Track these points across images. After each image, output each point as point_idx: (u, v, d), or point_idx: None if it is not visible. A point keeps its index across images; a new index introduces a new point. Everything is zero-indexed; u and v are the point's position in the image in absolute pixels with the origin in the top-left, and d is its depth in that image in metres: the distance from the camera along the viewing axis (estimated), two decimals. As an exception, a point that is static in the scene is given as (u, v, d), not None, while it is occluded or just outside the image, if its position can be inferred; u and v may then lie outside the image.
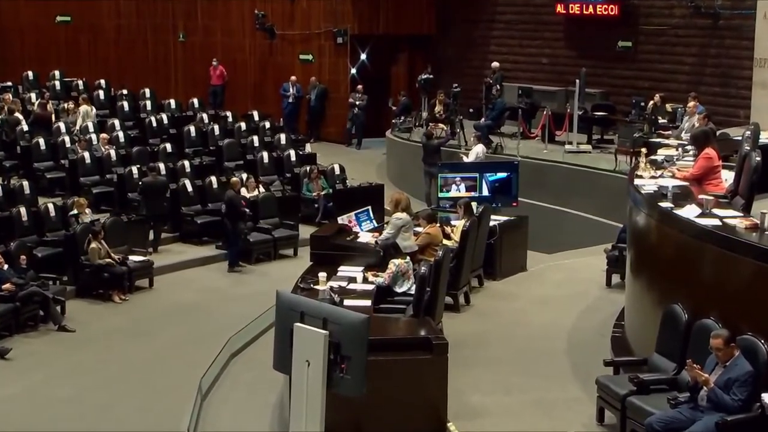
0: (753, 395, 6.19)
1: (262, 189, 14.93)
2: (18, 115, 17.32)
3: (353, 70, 22.42)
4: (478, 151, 15.28)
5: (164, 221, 14.06)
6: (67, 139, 16.42)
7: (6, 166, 15.68)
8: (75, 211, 13.12)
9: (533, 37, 20.55)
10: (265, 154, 16.61)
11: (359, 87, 21.42)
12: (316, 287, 8.56)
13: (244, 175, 15.08)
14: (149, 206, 13.76)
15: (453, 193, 12.99)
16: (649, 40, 18.58)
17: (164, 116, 18.46)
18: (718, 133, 10.45)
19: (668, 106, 16.44)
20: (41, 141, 16.11)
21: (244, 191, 14.40)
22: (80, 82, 20.92)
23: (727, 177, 8.57)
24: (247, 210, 13.40)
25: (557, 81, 19.81)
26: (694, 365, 6.34)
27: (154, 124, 18.07)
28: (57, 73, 21.28)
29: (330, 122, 22.24)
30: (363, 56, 22.56)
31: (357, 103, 21.18)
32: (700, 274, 7.21)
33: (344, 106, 21.75)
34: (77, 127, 17.31)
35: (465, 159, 15.18)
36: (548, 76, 20.15)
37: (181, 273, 13.23)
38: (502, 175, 13.17)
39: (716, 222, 7.14)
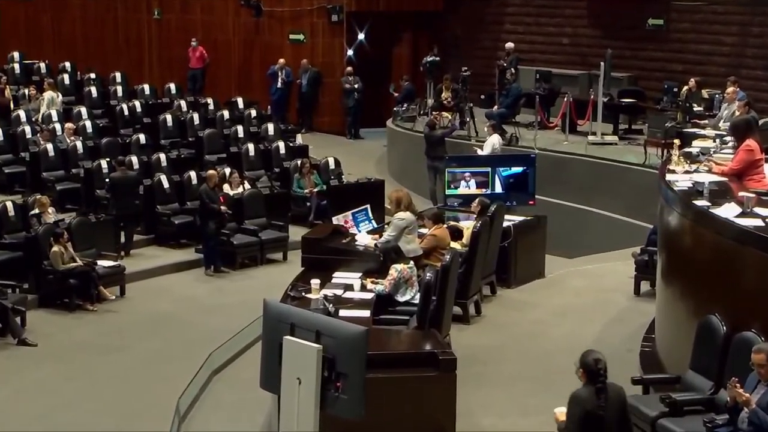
0: (800, 417, 6.19)
1: (247, 185, 14.92)
2: (-28, 102, 17.36)
3: (350, 52, 22.44)
4: (494, 142, 15.25)
5: (136, 222, 14.08)
6: (27, 129, 16.41)
7: (-43, 160, 15.73)
8: (36, 211, 13.11)
9: (552, 14, 20.57)
10: (251, 147, 16.61)
11: (349, 69, 21.43)
12: (309, 296, 8.57)
13: (227, 170, 15.07)
14: (118, 205, 13.78)
15: (462, 190, 13.01)
16: (683, 17, 18.60)
17: (137, 103, 18.47)
18: (760, 122, 10.47)
19: (704, 92, 16.46)
20: (-2, 131, 16.15)
21: (227, 188, 14.39)
22: (42, 65, 20.93)
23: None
24: (224, 209, 13.35)
25: (579, 64, 19.82)
26: (737, 384, 6.33)
27: (126, 113, 18.07)
28: (16, 54, 21.29)
29: (324, 110, 22.26)
30: (361, 36, 22.58)
31: (356, 86, 21.22)
32: (740, 280, 7.22)
33: (340, 92, 21.75)
34: (39, 116, 17.32)
35: (479, 151, 15.20)
36: (569, 59, 20.16)
37: (156, 280, 13.23)
38: (517, 169, 13.19)
39: (758, 222, 7.15)
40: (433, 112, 17.62)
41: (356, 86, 21.27)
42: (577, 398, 6.05)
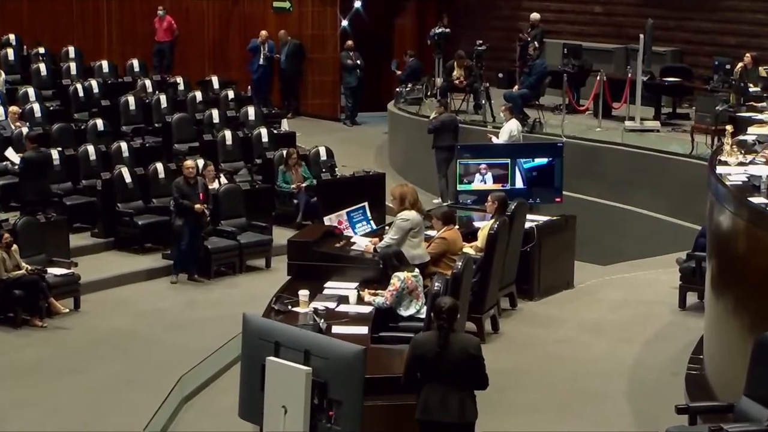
0: None
1: (223, 180, 14.93)
2: None
3: (344, 23, 22.46)
4: (511, 128, 15.29)
5: (42, 207, 13.87)
6: (-36, 114, 16.45)
7: None
8: (-26, 210, 13.13)
9: (583, -22, 20.62)
10: (228, 134, 16.61)
11: (349, 43, 21.46)
12: (296, 310, 8.59)
13: (200, 161, 15.05)
14: (30, 190, 13.78)
15: (477, 185, 13.02)
16: (736, -19, 18.62)
17: (94, 83, 18.45)
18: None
19: (762, 70, 16.45)
20: (-70, 116, 16.17)
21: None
22: (-19, 39, 20.93)
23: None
24: (198, 207, 13.31)
25: (615, 37, 19.84)
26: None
27: (81, 94, 18.05)
28: (-49, 27, 21.31)
29: (314, 91, 22.30)
30: (357, 4, 22.59)
31: (358, 62, 21.25)
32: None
33: (332, 69, 21.78)
34: (-22, 98, 17.33)
35: (494, 140, 15.21)
36: (603, 31, 20.19)
37: (117, 291, 13.24)
38: (541, 161, 13.19)
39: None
40: (437, 101, 17.53)
41: (358, 62, 21.30)
42: (415, 341, 6.90)
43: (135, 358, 11.19)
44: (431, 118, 16.65)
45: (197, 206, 13.30)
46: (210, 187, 14.43)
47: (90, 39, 22.48)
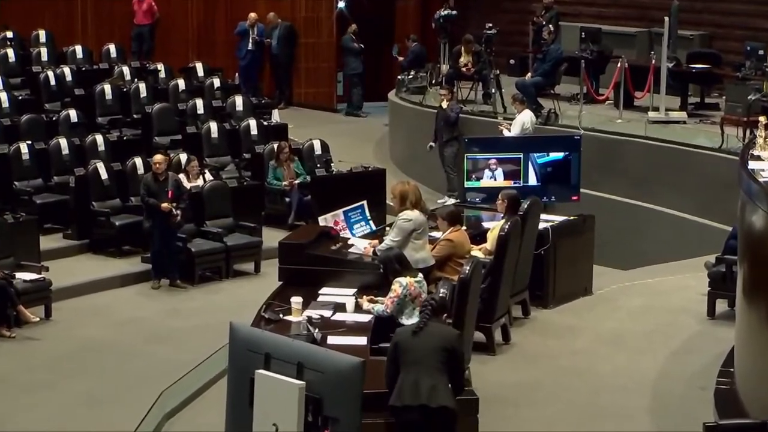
0: None
1: (208, 176, 14.92)
2: None
3: (341, 4, 22.45)
4: (524, 120, 15.30)
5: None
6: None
7: None
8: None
9: (602, -45, 20.61)
10: (214, 126, 16.61)
11: (354, 27, 21.48)
12: (288, 318, 8.59)
13: (183, 156, 15.06)
14: None
15: (486, 182, 13.01)
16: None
17: (67, 70, 18.44)
18: None
19: (798, 56, 16.48)
20: None
21: (183, 179, 14.40)
22: (-58, 22, 20.92)
23: None
24: (165, 205, 13.27)
25: (637, 19, 19.83)
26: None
27: (53, 82, 18.03)
28: None
29: (308, 79, 22.29)
30: (355, -17, 22.60)
31: (362, 46, 21.31)
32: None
33: (328, 55, 21.77)
34: (-61, 87, 17.31)
35: (505, 132, 15.21)
36: (624, 13, 20.18)
37: (92, 298, 13.24)
38: (557, 155, 13.20)
39: None
40: (440, 89, 17.53)
41: (362, 46, 21.35)
42: (396, 331, 7.34)
43: (111, 371, 11.17)
44: (445, 106, 16.59)
45: (164, 205, 13.25)
46: (194, 184, 14.45)
47: (62, 22, 22.43)
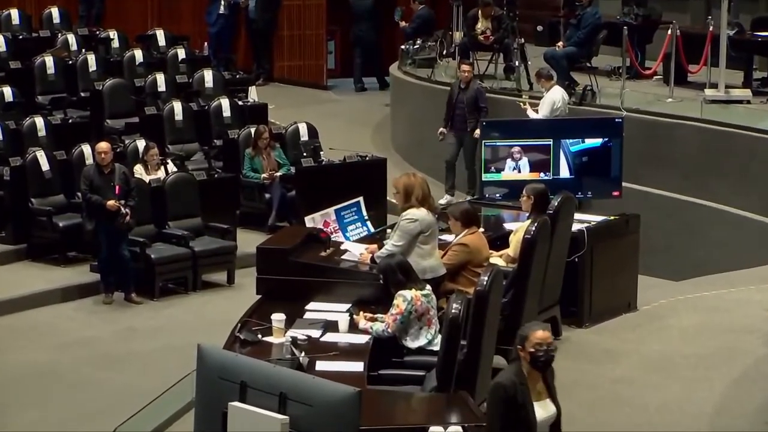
0: None
1: (171, 167, 14.93)
2: None
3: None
4: (554, 99, 15.28)
5: None
6: None
7: None
8: None
9: None
10: (178, 106, 16.62)
11: None
12: (268, 339, 8.57)
13: (141, 143, 15.06)
14: None
15: (508, 174, 13.01)
16: None
17: (0, 39, 18.46)
18: None
19: None
20: None
21: (140, 170, 14.40)
22: None
23: None
24: (111, 203, 13.23)
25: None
26: None
27: (-17, 54, 18.11)
28: None
29: (293, 49, 22.28)
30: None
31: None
32: None
33: (317, 21, 21.78)
34: None
35: (530, 114, 15.19)
36: (675, -30, 20.16)
37: (31, 314, 13.26)
38: (594, 142, 13.21)
39: None
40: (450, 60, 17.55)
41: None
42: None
43: (56, 403, 11.15)
44: (467, 78, 16.57)
45: (110, 203, 13.25)
46: (154, 176, 14.43)
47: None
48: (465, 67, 16.69)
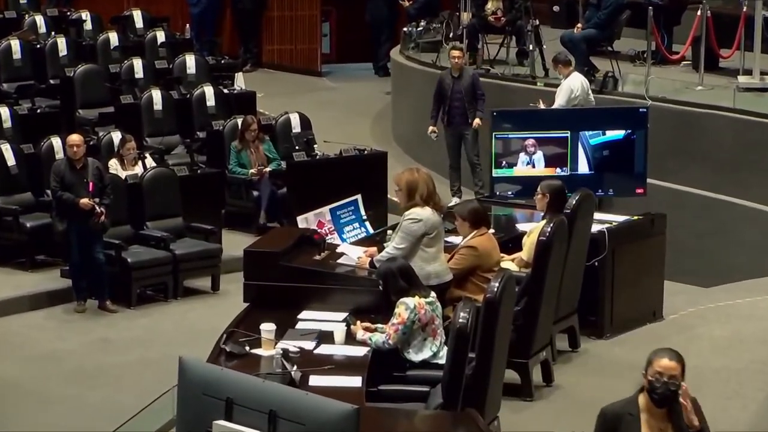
0: None
1: (150, 162, 14.95)
2: None
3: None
4: (572, 86, 15.29)
5: None
6: None
7: None
8: None
9: None
10: (157, 95, 16.65)
11: None
12: (257, 352, 8.61)
13: (116, 136, 15.06)
14: None
15: (521, 170, 13.03)
16: None
17: (-39, 21, 18.51)
18: None
19: None
20: None
21: (115, 165, 14.41)
22: None
23: None
24: (84, 201, 13.17)
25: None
26: None
27: (-57, 37, 18.11)
28: None
29: (283, 32, 22.34)
30: None
31: None
32: None
33: (309, 2, 21.83)
34: None
35: (541, 104, 15.17)
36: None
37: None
38: (616, 134, 13.25)
39: None
40: (451, 45, 17.49)
41: None
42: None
43: (24, 421, 11.14)
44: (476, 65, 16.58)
45: (82, 201, 13.23)
46: (130, 172, 14.43)
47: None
48: (455, 52, 16.44)
